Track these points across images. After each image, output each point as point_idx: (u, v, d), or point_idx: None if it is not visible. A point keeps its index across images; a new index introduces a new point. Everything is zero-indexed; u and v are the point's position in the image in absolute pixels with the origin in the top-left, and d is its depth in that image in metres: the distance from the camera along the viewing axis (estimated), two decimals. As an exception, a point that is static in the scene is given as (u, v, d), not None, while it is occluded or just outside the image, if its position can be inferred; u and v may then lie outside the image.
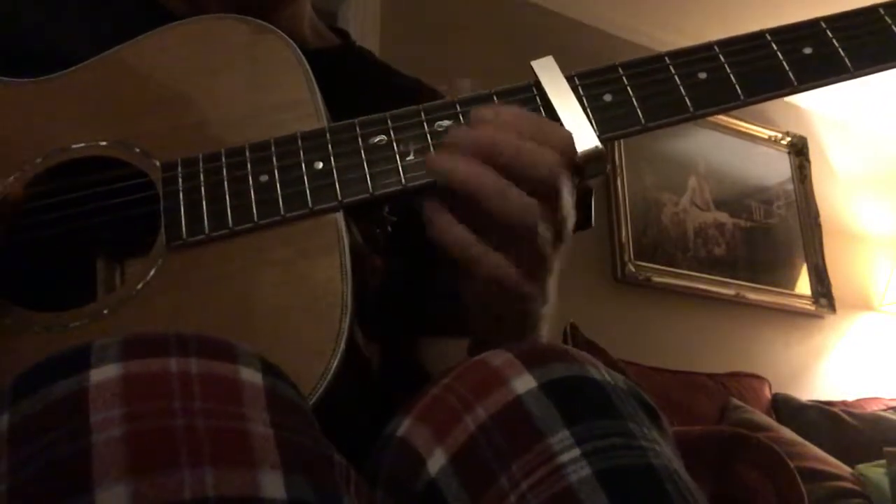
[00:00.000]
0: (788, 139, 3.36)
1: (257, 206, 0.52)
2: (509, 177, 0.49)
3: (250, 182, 0.53)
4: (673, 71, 0.55)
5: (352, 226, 0.54)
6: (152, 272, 0.51)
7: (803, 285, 3.19)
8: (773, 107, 3.27)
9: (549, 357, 0.44)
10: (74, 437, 0.31)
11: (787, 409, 2.62)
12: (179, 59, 0.59)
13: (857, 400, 2.90)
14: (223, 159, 0.54)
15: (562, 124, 0.53)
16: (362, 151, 0.53)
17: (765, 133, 3.31)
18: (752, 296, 2.99)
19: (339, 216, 0.52)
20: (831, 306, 3.20)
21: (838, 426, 2.56)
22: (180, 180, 0.53)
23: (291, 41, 0.58)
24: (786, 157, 3.37)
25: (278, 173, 0.53)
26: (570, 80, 0.55)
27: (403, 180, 0.52)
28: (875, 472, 2.22)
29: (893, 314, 3.35)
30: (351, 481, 0.39)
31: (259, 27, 0.59)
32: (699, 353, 2.73)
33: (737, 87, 0.55)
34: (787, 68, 0.55)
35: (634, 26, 3.01)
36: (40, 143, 0.56)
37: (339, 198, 0.52)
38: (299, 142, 0.54)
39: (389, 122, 0.54)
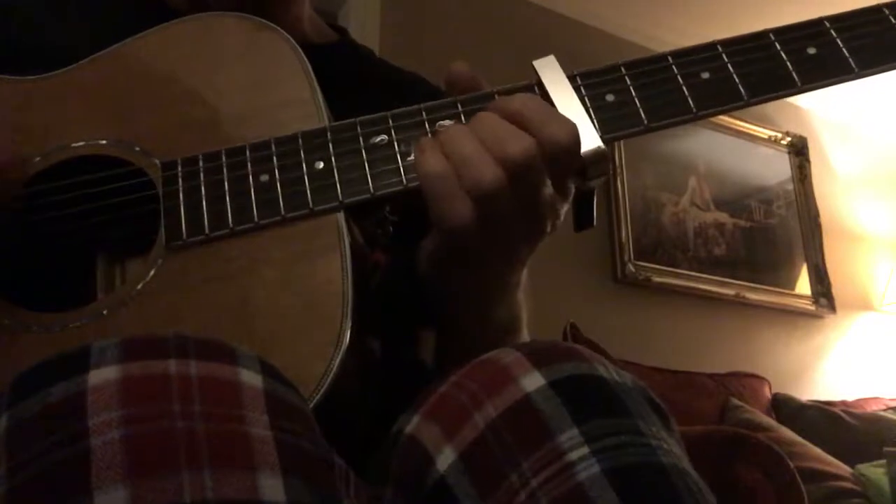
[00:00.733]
0: (788, 139, 3.36)
1: (258, 206, 0.52)
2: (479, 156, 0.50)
3: (251, 182, 0.52)
4: (676, 71, 0.55)
5: (352, 226, 0.54)
6: (152, 272, 0.51)
7: (803, 285, 3.19)
8: (773, 107, 3.27)
9: (558, 355, 0.44)
10: (73, 440, 0.31)
11: (787, 409, 2.62)
12: (180, 57, 0.59)
13: (857, 400, 2.90)
14: (223, 159, 0.53)
15: None
16: (363, 151, 0.53)
17: (765, 133, 3.32)
18: (752, 296, 2.99)
19: (340, 216, 0.52)
20: (831, 306, 3.20)
21: (838, 426, 2.56)
22: (180, 180, 0.53)
23: (292, 39, 0.58)
24: (786, 157, 3.37)
25: (279, 173, 0.53)
26: (572, 79, 0.55)
27: (405, 180, 0.52)
28: (875, 472, 2.22)
29: (893, 314, 3.35)
30: (350, 484, 0.39)
31: (260, 25, 0.59)
32: (699, 353, 2.73)
33: (740, 87, 0.55)
34: (790, 68, 0.55)
35: (636, 27, 3.01)
36: (40, 142, 0.56)
37: (340, 198, 0.52)
38: (300, 141, 0.53)
39: (390, 121, 0.54)
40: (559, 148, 0.50)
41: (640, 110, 0.54)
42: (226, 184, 0.52)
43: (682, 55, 0.56)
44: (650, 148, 2.96)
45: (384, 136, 0.54)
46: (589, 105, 0.54)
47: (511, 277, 0.58)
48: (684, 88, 0.55)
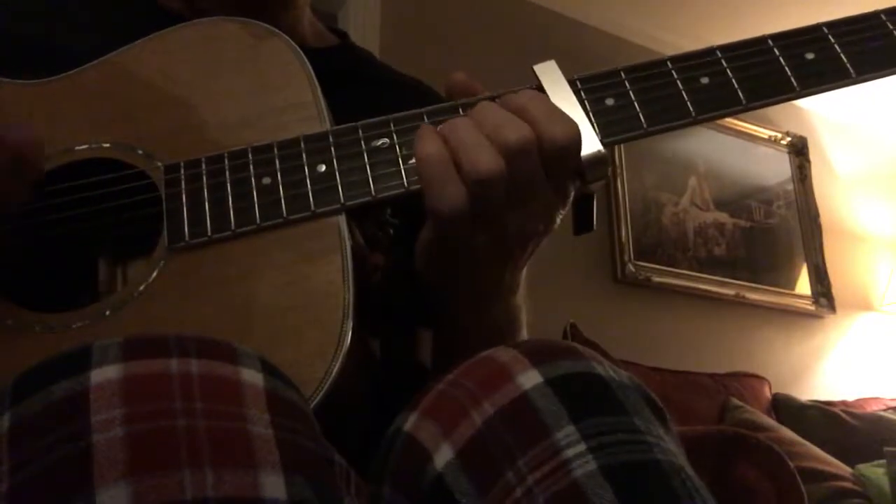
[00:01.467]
0: (788, 139, 3.36)
1: (260, 209, 0.52)
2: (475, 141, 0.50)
3: (253, 184, 0.53)
4: (675, 75, 0.55)
5: (353, 228, 0.54)
6: (154, 273, 0.51)
7: (803, 285, 3.19)
8: (773, 107, 3.26)
9: (556, 353, 0.44)
10: (75, 438, 0.31)
11: (787, 409, 2.62)
12: (182, 62, 0.59)
13: (857, 400, 2.90)
14: (226, 161, 0.54)
15: None
16: (365, 154, 0.54)
17: (765, 133, 3.31)
18: (752, 296, 2.99)
19: (342, 219, 0.52)
20: (831, 306, 3.20)
21: (838, 426, 2.56)
22: (183, 182, 0.53)
23: (294, 43, 0.59)
24: (786, 157, 3.37)
25: (281, 175, 0.53)
26: (572, 83, 0.55)
27: (406, 182, 0.53)
28: (875, 472, 2.21)
29: (893, 314, 3.35)
30: (351, 482, 0.39)
31: (261, 29, 0.59)
32: (699, 353, 2.73)
33: (738, 92, 0.55)
34: (789, 74, 0.55)
35: (636, 27, 3.01)
36: None
37: (342, 200, 0.52)
38: (302, 144, 0.54)
39: (392, 125, 0.55)
40: (559, 145, 0.50)
41: (640, 114, 0.54)
42: (228, 186, 0.53)
43: (682, 60, 0.56)
44: (650, 148, 2.96)
45: (386, 140, 0.54)
46: (589, 109, 0.54)
47: (504, 279, 0.58)
48: (684, 93, 0.55)
